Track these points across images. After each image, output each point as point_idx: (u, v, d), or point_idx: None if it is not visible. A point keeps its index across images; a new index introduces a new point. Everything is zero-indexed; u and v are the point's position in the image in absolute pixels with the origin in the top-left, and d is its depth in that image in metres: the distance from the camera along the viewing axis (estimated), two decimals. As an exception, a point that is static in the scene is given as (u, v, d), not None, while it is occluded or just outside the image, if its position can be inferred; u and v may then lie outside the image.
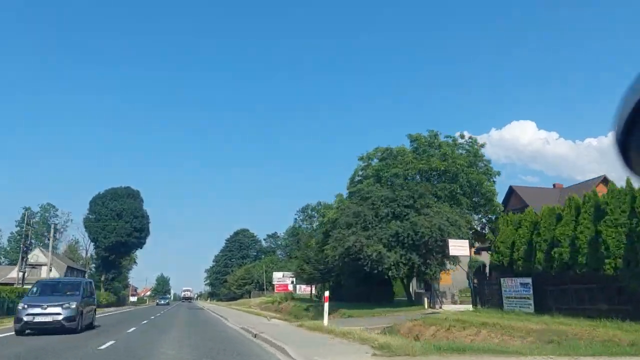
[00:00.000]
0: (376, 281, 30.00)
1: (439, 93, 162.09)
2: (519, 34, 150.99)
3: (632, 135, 1.19)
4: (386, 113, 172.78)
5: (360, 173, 33.09)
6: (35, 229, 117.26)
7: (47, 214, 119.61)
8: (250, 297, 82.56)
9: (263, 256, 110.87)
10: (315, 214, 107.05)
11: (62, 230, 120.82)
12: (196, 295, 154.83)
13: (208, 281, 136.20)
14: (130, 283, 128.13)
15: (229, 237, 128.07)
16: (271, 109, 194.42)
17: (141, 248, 70.81)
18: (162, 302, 79.49)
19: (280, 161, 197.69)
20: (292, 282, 67.66)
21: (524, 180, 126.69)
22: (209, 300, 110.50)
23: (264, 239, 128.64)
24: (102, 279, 66.83)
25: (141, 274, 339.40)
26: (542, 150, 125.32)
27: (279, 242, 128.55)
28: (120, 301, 74.71)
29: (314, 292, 45.79)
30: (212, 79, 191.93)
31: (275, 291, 64.84)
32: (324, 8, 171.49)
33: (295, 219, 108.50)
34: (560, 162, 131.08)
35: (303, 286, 52.51)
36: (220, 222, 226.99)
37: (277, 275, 68.64)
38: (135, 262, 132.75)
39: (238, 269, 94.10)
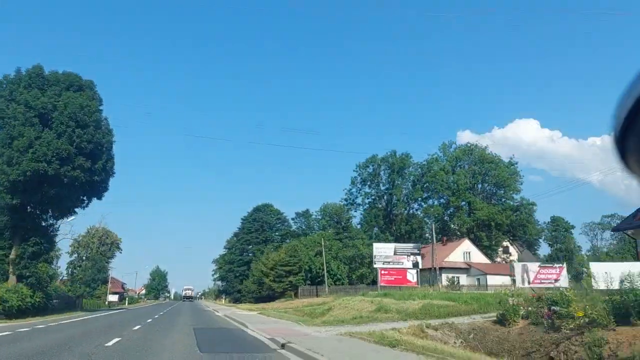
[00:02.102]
0: None
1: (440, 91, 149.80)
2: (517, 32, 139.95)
3: (629, 136, 1.13)
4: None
5: None
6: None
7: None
8: (297, 296, 47.66)
9: (290, 240, 76.16)
10: (383, 172, 71.31)
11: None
12: (199, 294, 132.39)
13: (217, 275, 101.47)
14: (111, 275, 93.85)
15: (246, 214, 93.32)
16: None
17: (99, 198, 34.78)
18: None
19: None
20: (415, 264, 32.53)
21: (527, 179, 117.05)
22: (224, 301, 74.04)
23: (292, 219, 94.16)
24: (12, 256, 31.47)
25: (134, 268, 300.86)
26: (546, 148, 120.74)
27: (311, 223, 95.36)
28: (62, 304, 38.94)
29: None
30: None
31: (381, 283, 29.90)
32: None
33: (354, 177, 72.42)
34: (564, 161, 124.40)
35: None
36: (224, 215, 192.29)
37: (381, 251, 31.44)
38: (119, 248, 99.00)
39: (274, 251, 58.32)
